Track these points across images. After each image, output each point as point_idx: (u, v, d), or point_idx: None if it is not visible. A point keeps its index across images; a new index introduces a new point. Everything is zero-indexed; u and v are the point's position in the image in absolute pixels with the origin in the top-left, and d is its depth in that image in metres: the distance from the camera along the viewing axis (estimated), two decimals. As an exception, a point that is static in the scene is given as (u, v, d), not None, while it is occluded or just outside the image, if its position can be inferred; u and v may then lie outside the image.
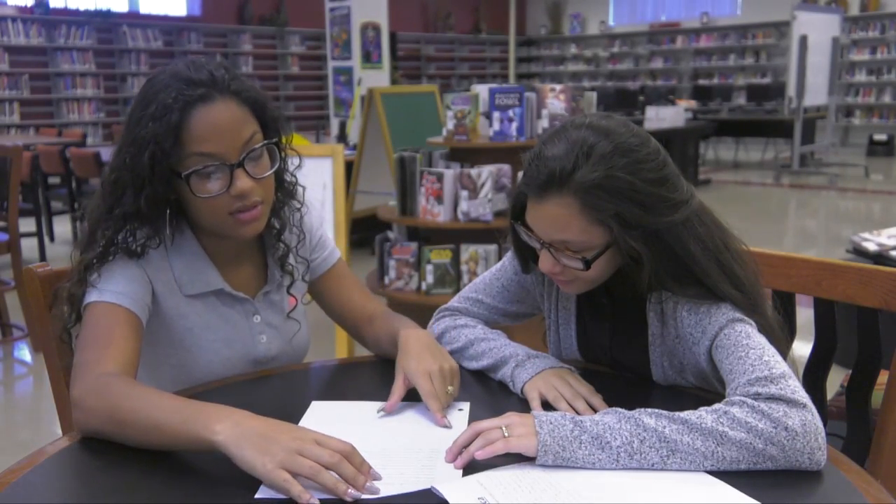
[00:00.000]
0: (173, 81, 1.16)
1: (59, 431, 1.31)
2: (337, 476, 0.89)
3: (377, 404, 1.17)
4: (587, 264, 1.13)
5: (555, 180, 1.09)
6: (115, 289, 1.17)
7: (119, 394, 1.03)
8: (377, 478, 0.93)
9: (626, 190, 1.08)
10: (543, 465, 0.95)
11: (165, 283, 1.25)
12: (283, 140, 1.28)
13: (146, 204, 1.17)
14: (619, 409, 0.99)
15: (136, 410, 1.00)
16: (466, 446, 0.98)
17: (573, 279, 1.18)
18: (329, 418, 1.14)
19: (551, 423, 0.97)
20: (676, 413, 0.97)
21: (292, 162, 1.34)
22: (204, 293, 1.29)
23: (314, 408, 1.18)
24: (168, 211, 1.21)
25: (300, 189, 1.38)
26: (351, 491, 0.88)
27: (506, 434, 0.97)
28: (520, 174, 1.18)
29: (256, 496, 0.90)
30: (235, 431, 0.92)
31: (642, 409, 0.98)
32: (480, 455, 0.96)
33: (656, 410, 0.98)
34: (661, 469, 0.94)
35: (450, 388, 1.17)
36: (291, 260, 1.37)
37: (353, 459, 0.92)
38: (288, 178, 1.34)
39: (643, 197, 1.09)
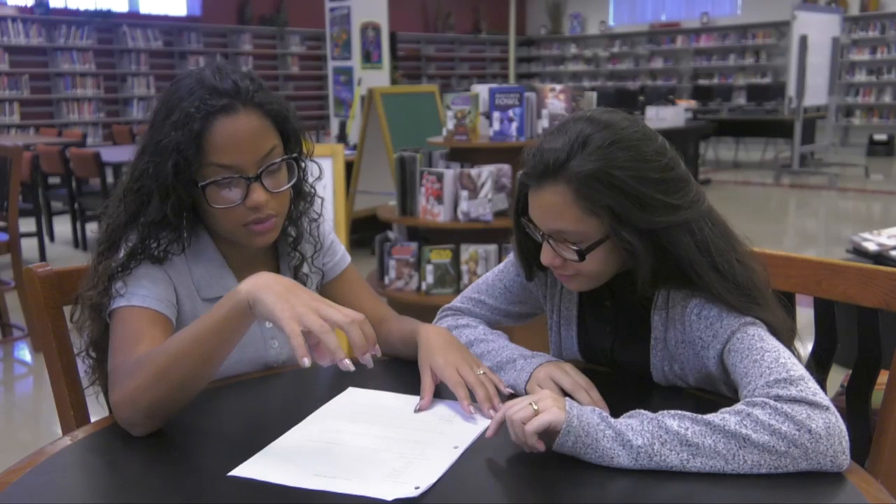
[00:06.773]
0: (197, 88, 1.16)
1: (59, 431, 1.31)
2: (337, 343, 0.95)
3: (410, 398, 1.19)
4: (581, 255, 1.13)
5: (549, 169, 1.11)
6: (142, 292, 1.18)
7: (143, 359, 1.05)
8: (377, 353, 1.00)
9: (622, 185, 1.08)
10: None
11: (185, 287, 1.25)
12: (304, 150, 1.28)
13: (172, 212, 1.17)
14: (643, 412, 0.99)
15: (167, 350, 1.03)
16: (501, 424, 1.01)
17: (574, 273, 1.18)
18: (362, 402, 1.19)
19: (580, 409, 0.97)
20: (699, 415, 0.96)
21: (312, 172, 1.34)
22: (220, 297, 1.29)
23: (349, 392, 1.22)
24: (186, 216, 1.21)
25: (318, 200, 1.38)
26: (346, 361, 0.95)
27: (535, 408, 0.97)
28: (520, 173, 1.18)
29: (229, 474, 0.93)
30: (260, 283, 1.00)
31: (665, 412, 0.97)
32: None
33: (679, 412, 0.97)
34: (680, 471, 0.93)
35: (479, 370, 1.18)
36: (305, 269, 1.37)
37: (364, 327, 0.98)
38: (307, 188, 1.34)
39: (639, 195, 1.08)
